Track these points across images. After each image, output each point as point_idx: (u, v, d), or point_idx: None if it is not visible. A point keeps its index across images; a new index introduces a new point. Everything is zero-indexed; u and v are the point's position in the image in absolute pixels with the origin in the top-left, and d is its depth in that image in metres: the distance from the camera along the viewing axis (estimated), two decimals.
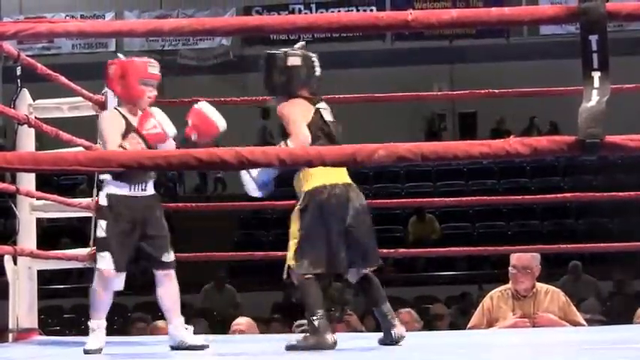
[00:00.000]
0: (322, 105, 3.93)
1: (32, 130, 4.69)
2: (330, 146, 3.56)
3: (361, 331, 6.50)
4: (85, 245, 4.73)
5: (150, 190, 3.89)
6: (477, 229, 13.83)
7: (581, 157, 2.31)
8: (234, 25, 2.66)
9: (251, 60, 10.90)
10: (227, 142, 3.13)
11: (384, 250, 5.57)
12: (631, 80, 5.22)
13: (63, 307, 11.55)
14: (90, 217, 4.61)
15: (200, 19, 2.53)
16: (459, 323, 7.85)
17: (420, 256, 11.92)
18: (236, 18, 5.98)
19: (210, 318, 9.37)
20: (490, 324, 5.08)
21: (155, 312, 6.62)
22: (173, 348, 3.90)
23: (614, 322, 6.45)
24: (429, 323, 7.62)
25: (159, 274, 3.89)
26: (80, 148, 4.80)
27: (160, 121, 3.89)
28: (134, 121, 3.88)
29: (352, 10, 16.75)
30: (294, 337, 3.83)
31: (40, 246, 4.95)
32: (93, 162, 2.40)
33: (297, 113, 3.83)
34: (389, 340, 3.85)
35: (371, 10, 16.55)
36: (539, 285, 5.13)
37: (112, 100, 4.49)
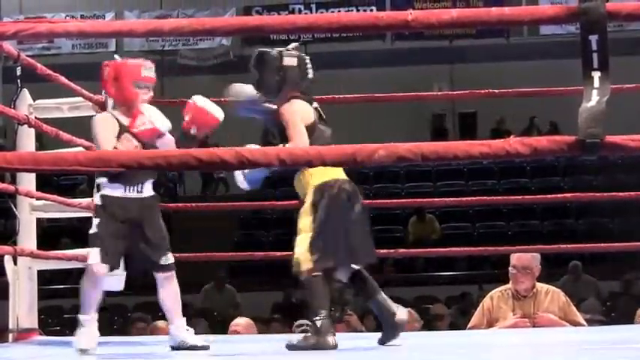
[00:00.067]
0: (316, 104, 3.94)
1: (32, 130, 4.69)
2: (330, 146, 3.56)
3: (361, 331, 6.50)
4: (85, 245, 4.73)
5: (147, 191, 3.86)
6: (477, 229, 13.83)
7: (581, 157, 2.31)
8: (234, 25, 2.66)
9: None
10: (227, 142, 3.14)
11: (384, 250, 5.60)
12: (631, 80, 5.22)
13: (63, 307, 11.53)
14: (90, 218, 4.60)
15: (200, 19, 2.53)
16: (459, 323, 7.85)
17: (420, 256, 11.92)
18: (236, 18, 5.97)
19: (210, 318, 9.38)
20: (490, 324, 5.07)
21: (155, 312, 6.63)
22: (174, 348, 3.89)
23: (618, 322, 6.45)
24: (429, 323, 7.63)
25: (159, 276, 3.88)
26: (80, 148, 4.80)
27: (151, 117, 3.84)
28: (127, 122, 3.84)
29: (352, 10, 16.73)
30: (295, 337, 3.82)
31: (40, 246, 4.94)
32: (93, 162, 2.40)
33: (298, 116, 3.83)
34: (391, 328, 3.84)
35: (371, 10, 16.54)
36: (540, 285, 5.13)
37: (111, 100, 4.49)
